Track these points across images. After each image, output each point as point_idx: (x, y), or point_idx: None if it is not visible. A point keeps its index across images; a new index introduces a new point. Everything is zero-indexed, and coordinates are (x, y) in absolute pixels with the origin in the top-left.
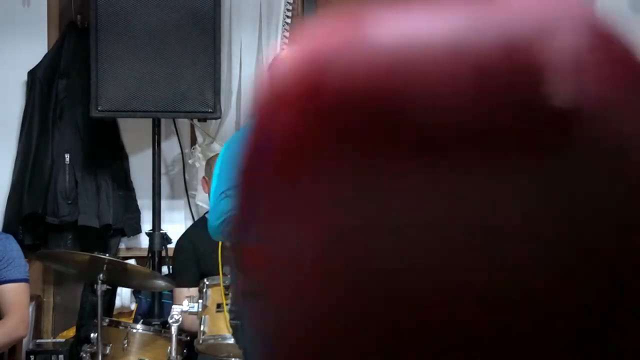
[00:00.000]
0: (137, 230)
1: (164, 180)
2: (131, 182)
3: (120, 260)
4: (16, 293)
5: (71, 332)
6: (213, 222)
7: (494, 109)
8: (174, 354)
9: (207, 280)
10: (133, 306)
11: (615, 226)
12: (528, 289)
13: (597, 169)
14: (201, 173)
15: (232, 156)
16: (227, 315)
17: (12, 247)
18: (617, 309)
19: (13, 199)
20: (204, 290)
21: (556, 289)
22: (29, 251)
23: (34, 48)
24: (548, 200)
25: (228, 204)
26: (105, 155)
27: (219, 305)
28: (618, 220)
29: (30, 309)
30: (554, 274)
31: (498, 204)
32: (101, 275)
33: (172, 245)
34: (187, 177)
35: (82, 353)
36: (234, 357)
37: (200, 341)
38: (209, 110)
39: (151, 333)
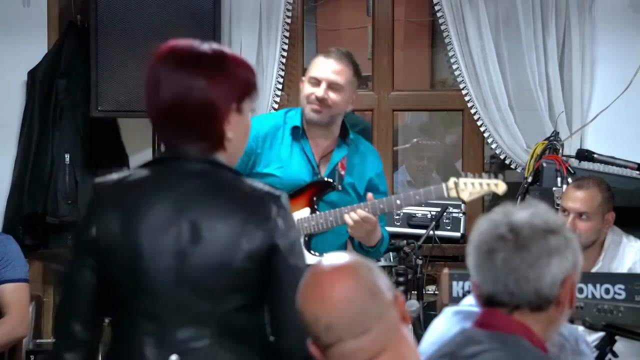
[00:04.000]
0: None
1: None
2: None
3: None
4: (16, 293)
5: None
6: None
7: None
8: None
9: None
10: None
11: None
12: None
13: None
14: None
15: None
16: None
17: (12, 247)
18: None
19: (13, 199)
20: None
21: None
22: (29, 251)
23: (34, 48)
24: None
25: None
26: (105, 155)
27: None
28: None
29: (30, 309)
30: None
31: None
32: None
33: None
34: None
35: None
36: None
37: None
38: None
39: None
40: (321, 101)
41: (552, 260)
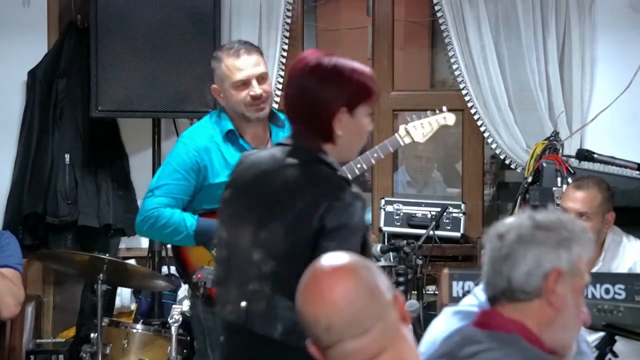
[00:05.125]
0: None
1: None
2: (131, 182)
3: (120, 260)
4: (10, 277)
5: (71, 332)
6: (137, 218)
7: None
8: (174, 354)
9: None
10: (133, 306)
11: None
12: None
13: None
14: None
15: (172, 157)
16: None
17: (10, 240)
18: None
19: (13, 199)
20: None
21: None
22: (29, 251)
23: (34, 48)
24: None
25: (149, 203)
26: (105, 155)
27: None
28: None
29: (30, 309)
30: None
31: None
32: (101, 275)
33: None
34: None
35: (82, 353)
36: None
37: None
38: (208, 110)
39: (151, 333)
40: (259, 98)
41: (529, 252)
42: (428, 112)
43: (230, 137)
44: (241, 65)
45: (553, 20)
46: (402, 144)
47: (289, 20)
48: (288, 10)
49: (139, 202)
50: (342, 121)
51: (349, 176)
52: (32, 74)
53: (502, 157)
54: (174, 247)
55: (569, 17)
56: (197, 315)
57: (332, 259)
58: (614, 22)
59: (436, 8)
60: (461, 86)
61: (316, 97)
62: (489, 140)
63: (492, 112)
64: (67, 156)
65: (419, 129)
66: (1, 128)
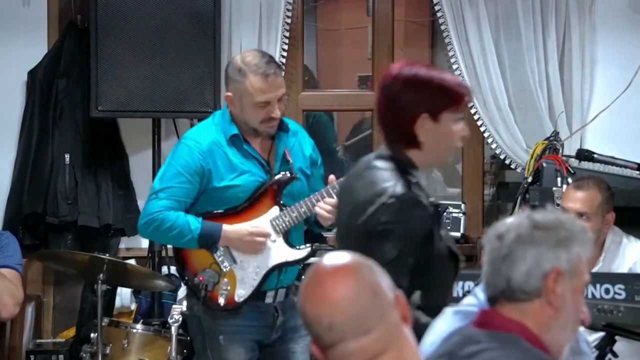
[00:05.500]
0: (137, 230)
1: None
2: (131, 182)
3: (120, 260)
4: (10, 277)
5: (71, 332)
6: (140, 220)
7: None
8: (174, 354)
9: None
10: (133, 306)
11: None
12: None
13: None
14: None
15: (175, 159)
16: None
17: (10, 241)
18: None
19: (13, 199)
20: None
21: None
22: (29, 251)
23: (34, 48)
24: None
25: (153, 206)
26: (105, 155)
27: None
28: None
29: (30, 309)
30: None
31: None
32: (101, 275)
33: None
34: None
35: (82, 353)
36: None
37: None
38: (209, 110)
39: (151, 333)
40: (276, 119)
41: (528, 252)
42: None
43: (235, 141)
44: (267, 89)
45: (553, 20)
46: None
47: (289, 20)
48: (288, 10)
49: (139, 202)
50: (425, 127)
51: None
52: (32, 74)
53: (502, 157)
54: (174, 249)
55: (569, 18)
56: (195, 316)
57: (334, 258)
58: (614, 23)
59: (436, 8)
60: None
61: (396, 104)
62: (489, 140)
63: (492, 112)
64: (67, 156)
65: None
66: (1, 128)
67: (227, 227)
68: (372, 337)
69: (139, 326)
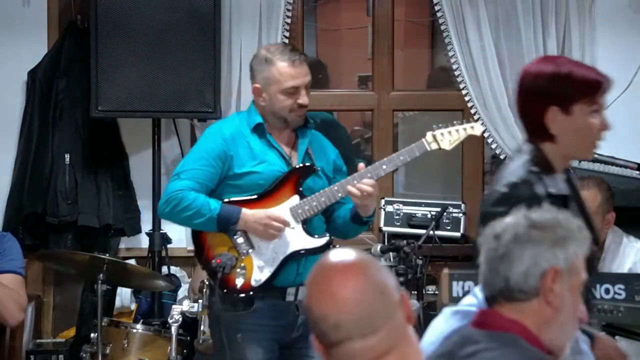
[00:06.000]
0: (137, 230)
1: (164, 180)
2: (131, 182)
3: (120, 260)
4: (13, 281)
5: (71, 332)
6: (160, 200)
7: None
8: (174, 354)
9: (207, 280)
10: (133, 306)
11: None
12: None
13: None
14: None
15: (199, 144)
16: None
17: (11, 243)
18: None
19: (13, 199)
20: (204, 290)
21: None
22: (29, 251)
23: (34, 48)
24: None
25: (174, 186)
26: (105, 155)
27: None
28: None
29: (30, 309)
30: None
31: None
32: (101, 275)
33: (172, 245)
34: None
35: (82, 353)
36: None
37: (200, 341)
38: (209, 110)
39: (151, 333)
40: (305, 106)
41: (526, 251)
42: (455, 121)
43: (258, 130)
44: (295, 74)
45: (553, 20)
46: (428, 149)
47: (289, 20)
48: (288, 10)
49: (139, 202)
50: (556, 120)
51: (536, 170)
52: (32, 74)
53: (502, 157)
54: (193, 232)
55: (569, 18)
56: (214, 314)
57: (341, 254)
58: (614, 23)
59: (436, 8)
60: (461, 86)
61: (525, 98)
62: (489, 140)
63: (492, 112)
64: (67, 156)
65: (446, 137)
66: (1, 128)
67: (245, 211)
68: (378, 337)
69: (139, 326)
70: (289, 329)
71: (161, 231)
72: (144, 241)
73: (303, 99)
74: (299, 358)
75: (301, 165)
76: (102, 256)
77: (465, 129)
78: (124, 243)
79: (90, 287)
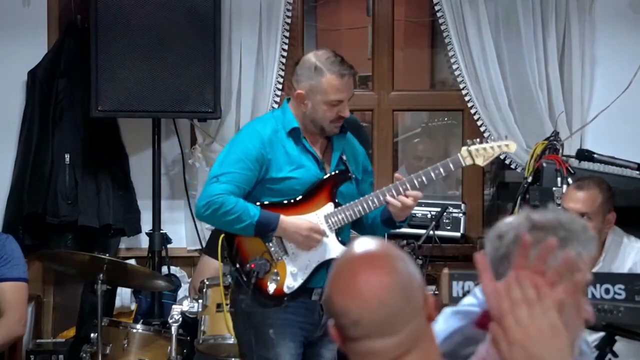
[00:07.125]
0: (137, 230)
1: (164, 180)
2: (131, 182)
3: (120, 260)
4: (15, 291)
5: (71, 332)
6: (198, 202)
7: None
8: (174, 354)
9: (207, 280)
10: (133, 306)
11: None
12: None
13: None
14: (201, 173)
15: (237, 145)
16: (227, 315)
17: (12, 247)
18: None
19: (13, 199)
20: (204, 290)
21: None
22: (29, 251)
23: (34, 48)
24: None
25: (214, 189)
26: (105, 155)
27: (218, 305)
28: None
29: (30, 309)
30: None
31: None
32: (101, 275)
33: (172, 245)
34: (187, 177)
35: (82, 353)
36: (234, 357)
37: (200, 341)
38: (209, 110)
39: (151, 333)
40: (345, 117)
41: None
42: (488, 139)
43: (293, 134)
44: (342, 88)
45: (553, 20)
46: (463, 164)
47: (289, 20)
48: (288, 10)
49: (139, 202)
50: None
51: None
52: (32, 74)
53: (502, 157)
54: (227, 235)
55: (569, 18)
56: (242, 311)
57: (367, 244)
58: (614, 23)
59: (436, 8)
60: (461, 86)
61: None
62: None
63: (492, 112)
64: (67, 156)
65: (481, 152)
66: (1, 128)
67: (284, 218)
68: (398, 338)
69: (139, 326)
70: (314, 327)
71: (161, 231)
72: (144, 241)
73: (345, 112)
74: (318, 358)
75: (337, 172)
76: (102, 256)
77: (500, 147)
78: (124, 243)
79: (90, 287)
